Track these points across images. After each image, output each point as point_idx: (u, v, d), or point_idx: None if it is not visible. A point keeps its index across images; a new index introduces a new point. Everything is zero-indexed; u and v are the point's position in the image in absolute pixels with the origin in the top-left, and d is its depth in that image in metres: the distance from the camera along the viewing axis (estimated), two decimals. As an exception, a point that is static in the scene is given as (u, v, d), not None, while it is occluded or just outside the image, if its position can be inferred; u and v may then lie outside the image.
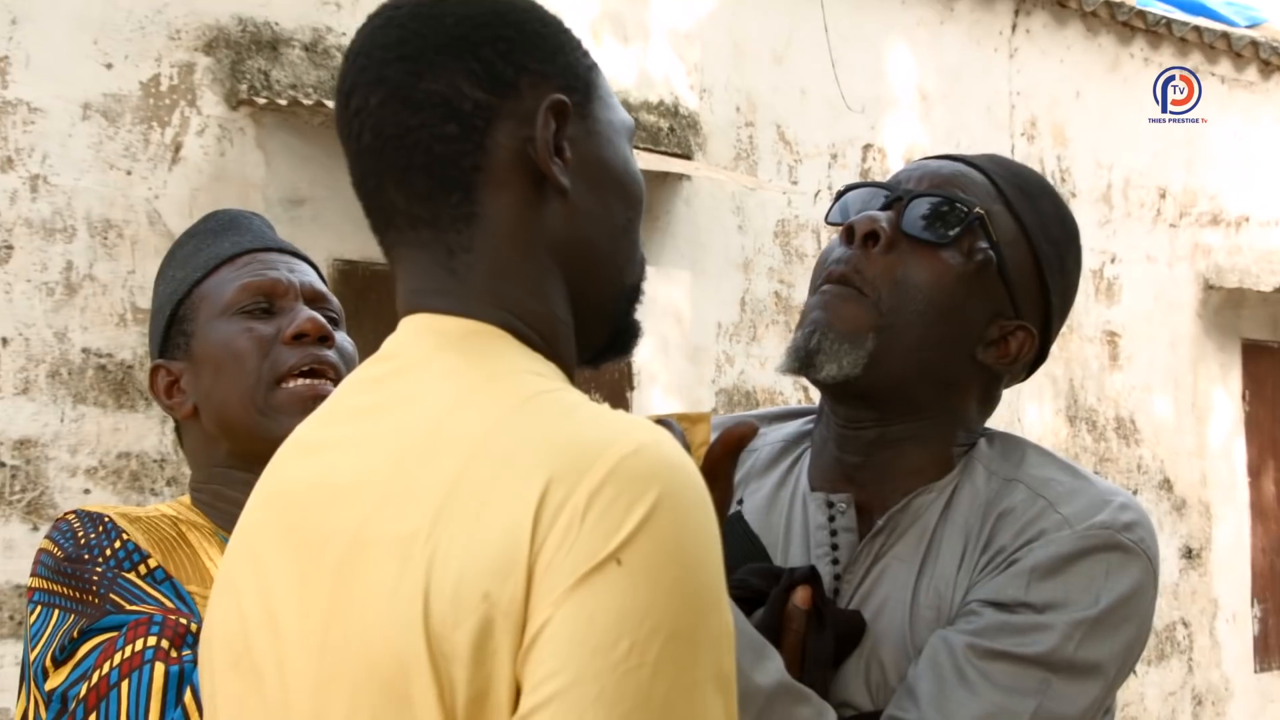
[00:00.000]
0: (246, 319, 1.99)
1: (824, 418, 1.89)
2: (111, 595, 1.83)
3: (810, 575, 1.75)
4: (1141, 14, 9.25)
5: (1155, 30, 9.35)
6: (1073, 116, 9.05)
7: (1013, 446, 1.86)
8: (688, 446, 1.43)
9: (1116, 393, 9.17)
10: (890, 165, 8.06)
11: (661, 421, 1.40)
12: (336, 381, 1.99)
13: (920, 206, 1.82)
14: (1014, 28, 8.83)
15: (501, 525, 1.17)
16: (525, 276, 1.34)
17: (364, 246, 6.17)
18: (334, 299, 2.09)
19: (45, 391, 5.42)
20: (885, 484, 1.83)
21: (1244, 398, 9.87)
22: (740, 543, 1.77)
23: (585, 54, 1.41)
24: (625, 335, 1.46)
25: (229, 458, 2.00)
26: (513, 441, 1.21)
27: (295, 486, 1.34)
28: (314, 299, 2.05)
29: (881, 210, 1.84)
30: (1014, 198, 1.85)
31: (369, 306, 6.09)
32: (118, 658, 1.76)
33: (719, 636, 1.20)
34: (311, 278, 2.07)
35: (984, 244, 1.81)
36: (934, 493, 1.81)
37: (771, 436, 1.98)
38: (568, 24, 1.44)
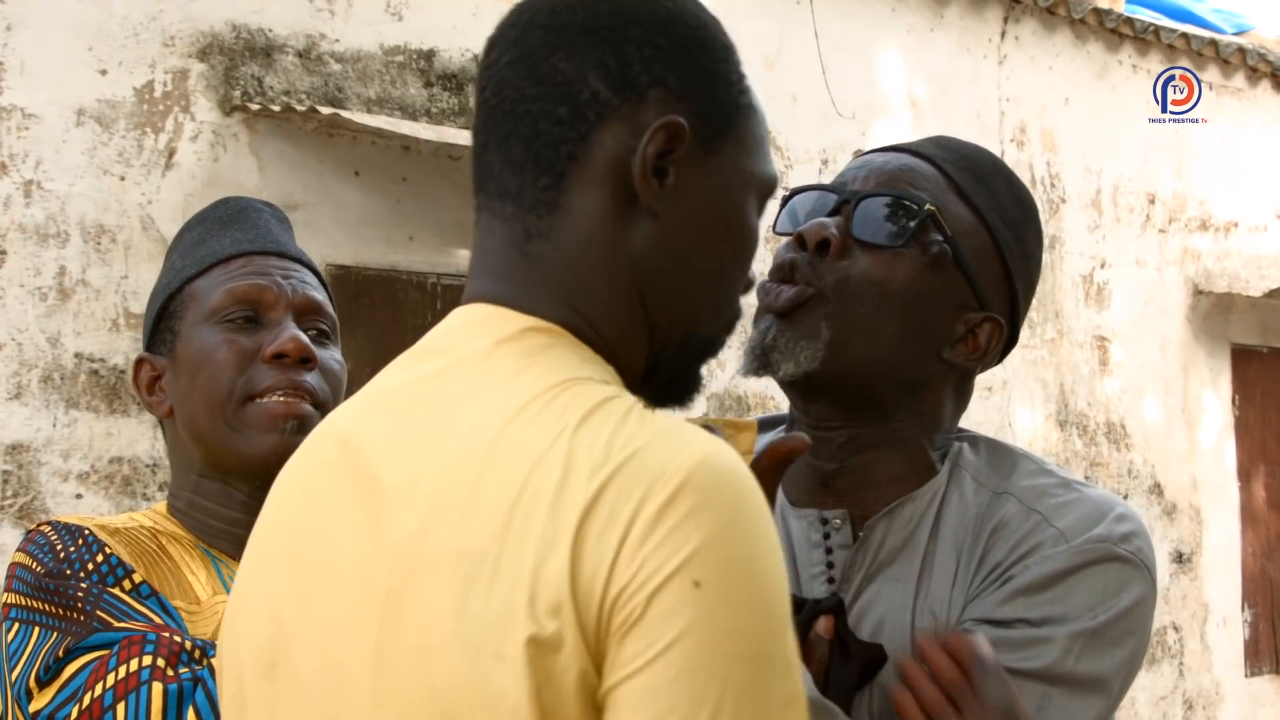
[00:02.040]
0: (229, 329, 1.94)
1: (795, 425, 1.84)
2: (98, 612, 1.76)
3: (835, 606, 1.71)
4: (1129, 21, 9.27)
5: (1143, 37, 9.38)
6: (1062, 123, 9.07)
7: (1000, 455, 1.82)
8: None
9: (1107, 397, 9.19)
10: (881, 171, 8.07)
11: (705, 426, 1.36)
12: (314, 405, 1.94)
13: (869, 209, 1.76)
14: (1003, 35, 8.85)
15: (561, 539, 1.14)
16: (597, 282, 1.30)
17: (357, 252, 6.19)
18: (329, 309, 2.04)
19: (38, 396, 5.43)
20: (866, 493, 1.78)
21: (1234, 402, 9.89)
22: None
23: (743, 92, 1.36)
24: (681, 384, 1.41)
25: (203, 466, 1.96)
26: (575, 451, 1.17)
27: (344, 482, 1.29)
28: (306, 311, 2.00)
29: (831, 215, 1.78)
30: (965, 183, 1.80)
31: (361, 312, 6.10)
32: (111, 679, 1.69)
33: (792, 656, 1.17)
34: (307, 287, 2.02)
35: (938, 237, 1.76)
36: (919, 502, 1.76)
37: None
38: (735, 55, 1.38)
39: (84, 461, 5.49)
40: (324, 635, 1.25)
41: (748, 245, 1.38)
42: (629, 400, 1.23)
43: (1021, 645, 1.65)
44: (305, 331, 1.97)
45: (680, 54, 1.32)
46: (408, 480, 1.23)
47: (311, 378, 1.95)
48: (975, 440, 1.85)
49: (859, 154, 1.90)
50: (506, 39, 1.33)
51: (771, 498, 1.44)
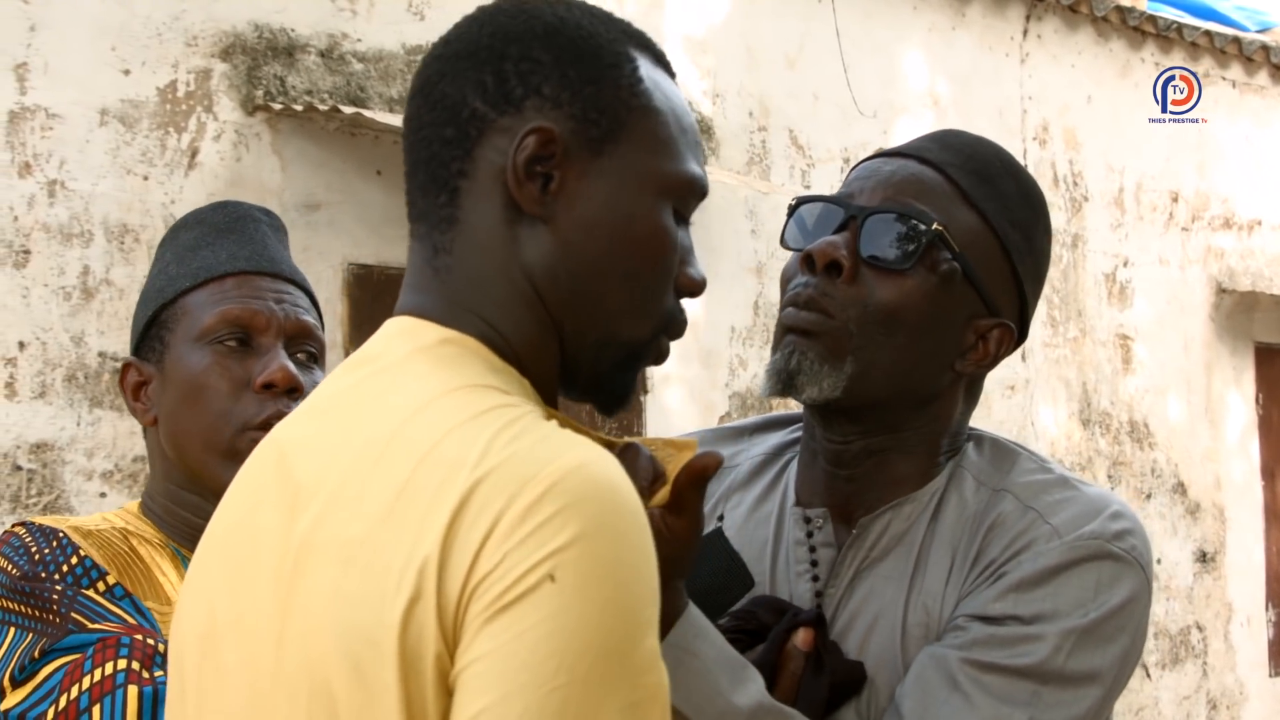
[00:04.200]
0: (220, 352, 1.96)
1: (810, 430, 1.85)
2: (73, 614, 1.79)
3: (815, 619, 1.71)
4: (1152, 19, 9.25)
5: (1166, 35, 9.36)
6: (1084, 121, 9.05)
7: (1002, 453, 1.82)
8: (661, 474, 1.43)
9: (1130, 396, 9.17)
10: (902, 170, 8.07)
11: (629, 445, 1.41)
12: None
13: (876, 227, 1.75)
14: (1025, 33, 8.84)
15: (434, 527, 1.19)
16: (497, 290, 1.35)
17: (378, 251, 6.20)
18: (318, 332, 2.06)
19: (62, 395, 5.45)
20: (869, 495, 1.79)
21: (1258, 401, 9.86)
22: (720, 559, 1.71)
23: (637, 95, 1.38)
24: (607, 391, 1.43)
25: (183, 478, 1.99)
26: (460, 449, 1.22)
27: (271, 486, 1.35)
28: (296, 335, 2.02)
29: (838, 232, 1.76)
30: (971, 189, 1.78)
31: (383, 311, 6.09)
32: (86, 681, 1.72)
33: (648, 661, 1.20)
34: (299, 310, 2.04)
35: (947, 255, 1.75)
36: (915, 503, 1.78)
37: (753, 450, 1.95)
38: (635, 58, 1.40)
39: (108, 460, 5.51)
40: (244, 627, 1.32)
41: (658, 247, 1.39)
42: (524, 408, 1.27)
43: (1012, 642, 1.65)
44: (294, 355, 2.01)
45: (559, 64, 1.36)
46: (316, 478, 1.30)
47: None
48: (981, 440, 1.85)
49: (878, 153, 1.88)
50: (416, 75, 1.42)
51: (696, 512, 1.47)
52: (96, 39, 5.59)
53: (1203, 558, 9.48)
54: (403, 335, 1.36)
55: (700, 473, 1.46)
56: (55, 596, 1.80)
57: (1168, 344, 9.39)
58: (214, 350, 1.97)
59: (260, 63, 5.96)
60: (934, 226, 1.74)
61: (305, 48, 6.08)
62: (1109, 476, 8.96)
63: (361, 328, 5.99)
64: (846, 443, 1.80)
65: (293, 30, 6.06)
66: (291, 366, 1.97)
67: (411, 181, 1.40)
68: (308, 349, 2.04)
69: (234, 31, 5.92)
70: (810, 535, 1.80)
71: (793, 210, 1.85)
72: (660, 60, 1.45)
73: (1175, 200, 9.53)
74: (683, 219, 1.42)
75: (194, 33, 5.82)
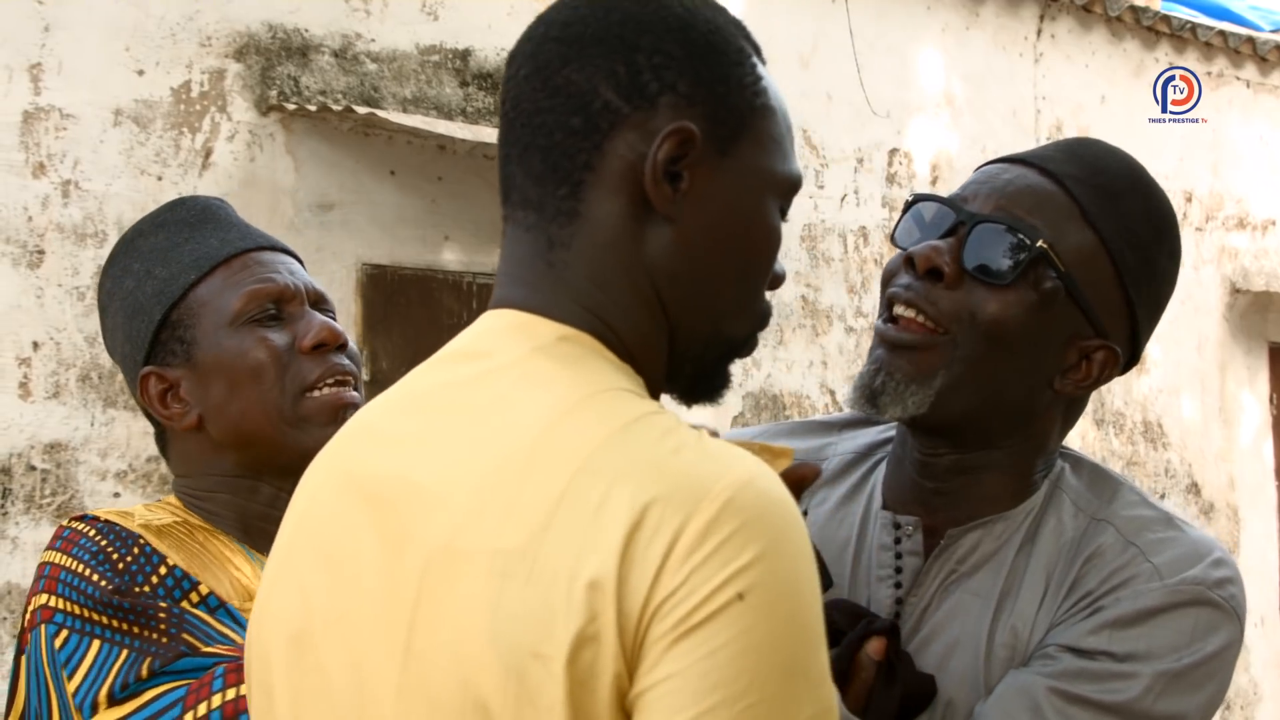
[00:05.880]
0: (258, 328, 1.94)
1: (901, 436, 1.83)
2: (184, 635, 1.75)
3: (889, 628, 1.68)
4: (1166, 19, 9.23)
5: (1180, 35, 9.34)
6: (1097, 121, 9.03)
7: (1103, 481, 1.80)
8: None
9: (1143, 396, 9.16)
10: (916, 170, 8.08)
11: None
12: (356, 388, 1.96)
13: (983, 237, 1.72)
14: (1039, 33, 8.82)
15: (606, 546, 1.16)
16: (618, 289, 1.32)
17: (392, 251, 6.20)
18: (328, 295, 2.06)
19: (76, 395, 5.45)
20: (959, 510, 1.77)
21: (1272, 401, 9.84)
22: None
23: (759, 94, 1.37)
24: (708, 383, 1.41)
25: (236, 467, 1.95)
26: (621, 461, 1.20)
27: (376, 479, 1.31)
28: (316, 300, 2.01)
29: (945, 236, 1.74)
30: (1091, 204, 1.74)
31: (397, 311, 6.12)
32: (217, 699, 1.69)
33: (822, 673, 1.20)
34: (308, 277, 2.04)
35: (1051, 272, 1.70)
36: (1008, 522, 1.75)
37: (843, 446, 1.92)
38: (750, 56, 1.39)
39: (121, 460, 5.52)
40: (349, 629, 1.28)
41: (769, 246, 1.38)
42: (670, 416, 1.26)
43: (1103, 678, 1.63)
44: None
45: (691, 59, 1.33)
46: (443, 480, 1.25)
47: (349, 361, 1.98)
48: (1078, 462, 1.83)
49: (1004, 158, 1.84)
50: (524, 53, 1.36)
51: None
52: (110, 39, 5.60)
53: (1217, 558, 9.45)
54: (515, 332, 1.32)
55: (798, 483, 1.47)
56: (162, 615, 1.76)
57: (1182, 344, 9.37)
58: (252, 328, 1.94)
59: (274, 63, 5.97)
60: (1039, 243, 1.70)
61: (319, 48, 6.09)
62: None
63: (375, 328, 5.99)
64: (936, 456, 1.77)
65: (306, 30, 6.06)
66: (334, 323, 1.97)
67: (520, 167, 1.34)
68: (329, 312, 2.03)
69: (248, 32, 5.92)
70: (898, 541, 1.78)
71: (909, 206, 1.82)
72: (759, 54, 1.43)
73: (1189, 200, 9.51)
74: (783, 216, 1.41)
75: (208, 33, 5.83)
